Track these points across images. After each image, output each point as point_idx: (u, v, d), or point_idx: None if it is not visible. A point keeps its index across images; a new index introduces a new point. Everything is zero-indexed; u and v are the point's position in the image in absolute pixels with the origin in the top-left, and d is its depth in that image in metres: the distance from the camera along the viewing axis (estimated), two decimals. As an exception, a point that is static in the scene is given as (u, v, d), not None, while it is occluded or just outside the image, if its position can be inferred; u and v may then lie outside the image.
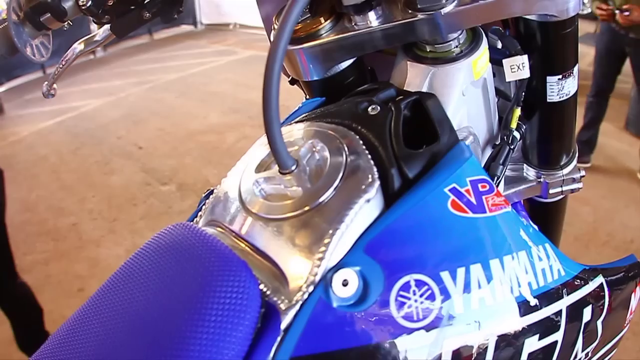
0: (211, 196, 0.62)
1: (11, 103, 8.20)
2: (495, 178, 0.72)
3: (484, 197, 0.55)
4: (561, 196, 0.91)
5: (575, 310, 0.64)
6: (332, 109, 0.64)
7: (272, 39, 0.64)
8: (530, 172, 0.88)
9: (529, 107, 0.78)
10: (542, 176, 0.87)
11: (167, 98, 7.55)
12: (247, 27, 10.92)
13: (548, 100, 0.75)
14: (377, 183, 0.52)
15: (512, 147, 0.74)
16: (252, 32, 10.60)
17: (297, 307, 0.47)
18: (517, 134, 0.75)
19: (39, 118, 7.61)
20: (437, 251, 0.51)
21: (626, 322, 0.83)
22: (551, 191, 0.87)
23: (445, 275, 0.50)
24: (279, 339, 0.46)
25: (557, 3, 0.63)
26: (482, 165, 0.74)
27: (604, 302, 0.71)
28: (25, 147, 6.70)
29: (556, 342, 0.60)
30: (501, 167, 0.73)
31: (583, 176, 0.88)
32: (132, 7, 0.79)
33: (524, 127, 0.78)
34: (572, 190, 0.88)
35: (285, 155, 0.53)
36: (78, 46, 0.91)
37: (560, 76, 0.73)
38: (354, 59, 0.72)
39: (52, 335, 0.56)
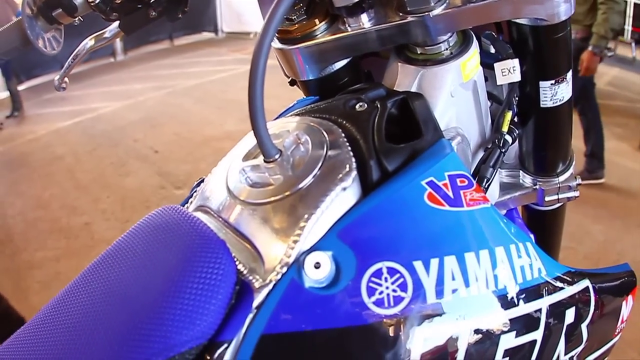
0: (202, 184, 0.65)
1: (30, 102, 8.26)
2: (485, 180, 0.73)
3: (461, 192, 0.56)
4: (558, 204, 0.92)
5: (556, 311, 0.64)
6: (322, 106, 0.67)
7: None
8: (526, 179, 0.89)
9: (524, 113, 0.79)
10: (538, 183, 0.88)
11: (185, 103, 7.61)
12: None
13: (541, 106, 0.76)
14: (354, 173, 0.54)
15: (503, 150, 0.75)
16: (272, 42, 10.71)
17: (270, 286, 0.49)
18: (509, 138, 0.76)
19: (57, 118, 7.69)
20: (411, 241, 0.53)
21: (617, 331, 0.83)
22: (547, 199, 0.88)
23: (418, 265, 0.52)
24: (250, 316, 0.48)
25: (547, 7, 0.64)
26: (473, 167, 0.75)
27: (590, 306, 0.72)
28: (42, 146, 6.77)
29: (535, 341, 0.61)
30: (491, 169, 0.73)
31: (579, 184, 0.89)
32: (139, 6, 0.81)
33: (517, 131, 0.79)
34: (569, 198, 0.89)
35: (270, 145, 0.56)
36: (89, 42, 0.92)
37: (553, 81, 0.74)
38: (349, 60, 0.74)
39: (42, 307, 0.58)
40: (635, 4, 9.40)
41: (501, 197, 0.90)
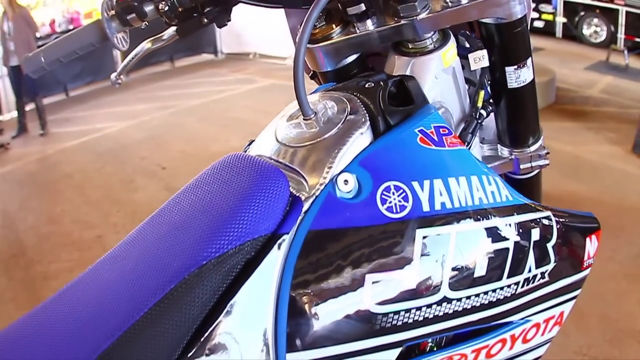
0: (253, 143, 0.87)
1: (35, 123, 8.39)
2: (466, 144, 0.94)
3: (444, 137, 0.79)
4: (532, 172, 1.11)
5: (523, 227, 0.85)
6: (341, 86, 0.89)
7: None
8: (504, 151, 1.09)
9: (496, 94, 1.00)
10: (513, 153, 1.07)
11: (189, 122, 7.79)
12: (267, 56, 11.28)
13: (509, 87, 0.96)
14: (368, 123, 0.77)
15: (479, 121, 0.97)
16: (271, 61, 10.93)
17: (313, 197, 0.71)
18: (483, 112, 0.98)
19: (63, 138, 7.85)
20: (409, 168, 0.75)
21: (585, 264, 1.03)
22: (522, 166, 1.07)
23: (415, 184, 0.74)
24: (300, 217, 0.70)
25: (505, 8, 0.86)
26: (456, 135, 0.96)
27: (553, 231, 0.92)
28: (50, 165, 6.94)
29: (508, 249, 0.82)
30: (470, 135, 0.96)
31: (548, 153, 1.07)
32: (195, 15, 1.02)
33: (490, 107, 1.00)
34: (540, 166, 1.07)
35: (307, 108, 0.78)
36: (146, 44, 1.11)
37: (515, 66, 0.94)
38: (358, 55, 0.96)
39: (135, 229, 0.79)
40: (627, 12, 9.62)
41: None
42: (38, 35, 8.55)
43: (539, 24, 11.37)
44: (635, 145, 5.28)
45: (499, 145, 1.10)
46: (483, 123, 1.03)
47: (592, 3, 10.53)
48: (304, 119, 0.79)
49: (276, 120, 0.86)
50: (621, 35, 9.97)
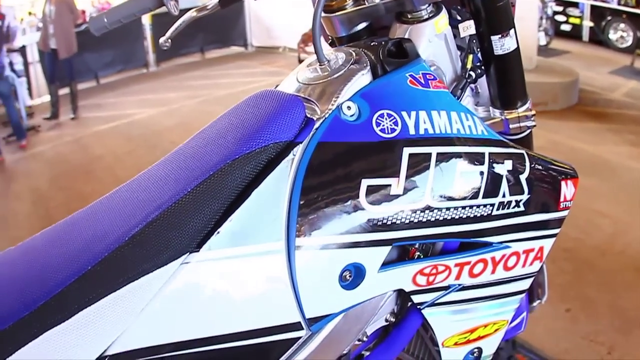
0: (278, 86, 1.06)
1: (66, 107, 8.57)
2: (456, 98, 1.12)
3: (429, 81, 0.98)
4: (520, 132, 1.22)
5: (496, 157, 1.02)
6: (350, 45, 1.09)
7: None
8: (496, 113, 1.22)
9: (486, 61, 1.16)
10: (503, 114, 1.20)
11: (219, 111, 7.47)
12: (296, 50, 11.33)
13: (495, 54, 1.12)
14: (369, 68, 0.97)
15: (467, 80, 1.15)
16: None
17: (323, 118, 0.90)
18: (472, 73, 1.16)
19: (93, 122, 8.04)
20: (399, 101, 0.94)
21: (561, 205, 1.16)
22: (511, 126, 1.19)
23: (404, 113, 0.93)
24: (312, 131, 0.89)
25: None
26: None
27: (525, 166, 1.06)
28: (81, 147, 7.14)
29: (482, 172, 0.99)
30: (460, 91, 1.14)
31: (534, 115, 1.20)
32: None
33: (479, 70, 1.17)
34: (528, 127, 1.20)
35: (322, 55, 0.98)
36: (193, 12, 1.28)
37: (500, 35, 1.10)
38: (367, 24, 1.15)
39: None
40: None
41: None
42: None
43: (566, 28, 11.44)
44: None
45: (491, 108, 1.23)
46: (479, 91, 1.21)
47: (619, 8, 10.59)
48: (319, 65, 0.99)
49: (297, 69, 1.06)
50: (647, 41, 10.04)
